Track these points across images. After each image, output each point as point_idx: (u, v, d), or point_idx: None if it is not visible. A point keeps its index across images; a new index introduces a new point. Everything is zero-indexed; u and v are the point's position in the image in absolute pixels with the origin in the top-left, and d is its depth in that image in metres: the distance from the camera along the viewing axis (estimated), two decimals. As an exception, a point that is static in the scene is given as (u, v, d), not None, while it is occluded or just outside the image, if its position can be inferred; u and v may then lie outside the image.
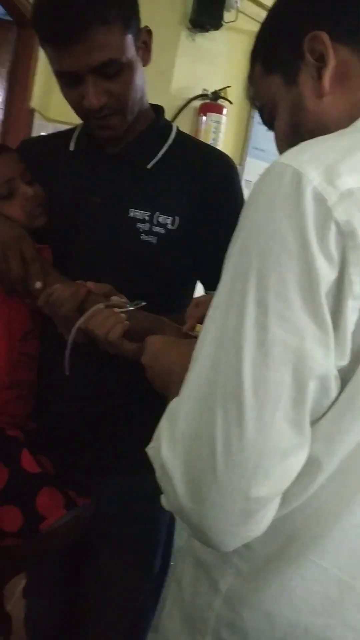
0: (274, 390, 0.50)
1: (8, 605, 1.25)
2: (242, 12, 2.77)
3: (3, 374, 1.09)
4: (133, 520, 1.16)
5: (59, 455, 1.14)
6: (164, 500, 0.58)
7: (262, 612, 0.59)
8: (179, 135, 1.14)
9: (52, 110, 2.84)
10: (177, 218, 1.07)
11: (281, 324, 0.50)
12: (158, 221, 1.06)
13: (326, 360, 0.51)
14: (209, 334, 0.54)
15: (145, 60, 1.04)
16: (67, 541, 1.12)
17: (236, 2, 2.68)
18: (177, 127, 1.15)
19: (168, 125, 1.14)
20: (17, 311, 1.10)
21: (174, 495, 0.54)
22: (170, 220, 1.06)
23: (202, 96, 2.76)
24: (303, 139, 0.64)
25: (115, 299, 0.99)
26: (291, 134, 0.67)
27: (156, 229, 1.06)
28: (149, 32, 1.04)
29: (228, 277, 0.55)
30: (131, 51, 0.98)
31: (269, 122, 0.72)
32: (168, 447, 0.55)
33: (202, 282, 1.17)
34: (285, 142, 0.69)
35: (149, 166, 1.09)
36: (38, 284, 1.02)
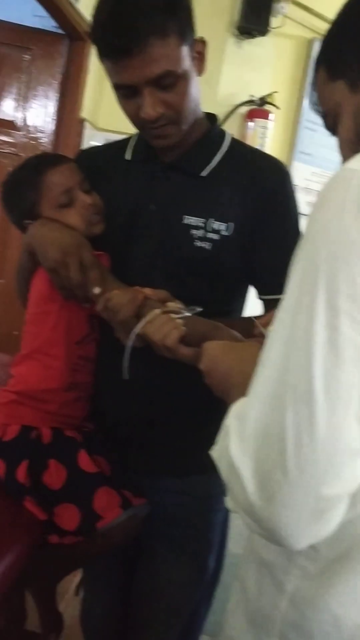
0: (346, 390, 0.50)
1: (61, 603, 1.28)
2: (289, 18, 2.77)
3: (62, 377, 1.13)
4: (187, 521, 1.18)
5: (115, 456, 1.17)
6: (229, 501, 0.58)
7: (329, 613, 0.59)
8: (233, 143, 1.15)
9: (101, 120, 2.91)
10: (231, 224, 1.08)
11: (352, 324, 0.50)
12: (212, 227, 1.08)
13: None
14: (278, 335, 0.55)
15: (200, 70, 1.06)
16: (123, 541, 1.14)
17: (282, 7, 2.69)
18: (231, 135, 1.17)
19: (222, 133, 1.16)
20: (76, 315, 1.13)
21: (243, 493, 0.54)
22: (224, 226, 1.08)
23: (249, 102, 2.77)
24: None
25: (172, 304, 1.01)
26: (355, 140, 0.68)
27: (210, 235, 1.08)
28: (203, 42, 1.05)
29: (297, 280, 0.55)
30: (187, 62, 1.00)
31: (332, 128, 0.73)
32: (238, 446, 0.55)
33: (256, 287, 1.17)
34: (349, 149, 0.69)
35: (203, 174, 1.10)
36: (97, 290, 1.04)
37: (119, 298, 1.01)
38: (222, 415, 0.67)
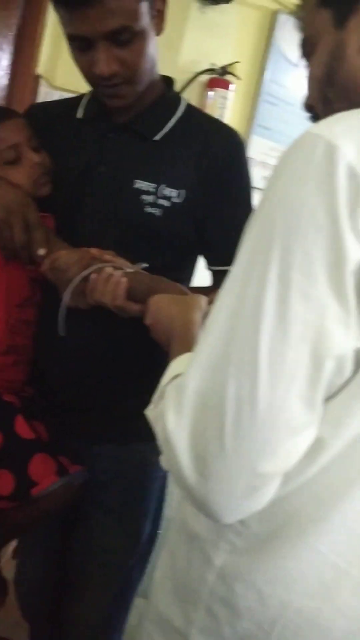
0: (290, 367, 0.49)
1: (-1, 567, 1.28)
2: (255, -14, 2.72)
3: (1, 340, 1.10)
4: (123, 488, 1.18)
5: (54, 421, 1.15)
6: (163, 461, 0.57)
7: (256, 590, 0.59)
8: (189, 108, 1.13)
9: (58, 78, 2.79)
10: (182, 191, 1.06)
11: (303, 300, 0.48)
12: (163, 194, 1.06)
13: (345, 340, 0.50)
14: (225, 304, 0.53)
15: (159, 30, 1.03)
16: (59, 508, 1.13)
17: (249, -25, 2.64)
18: (187, 100, 1.14)
19: (177, 98, 1.13)
20: (16, 277, 1.10)
21: (176, 464, 0.53)
22: (175, 193, 1.06)
23: (210, 70, 2.72)
24: (333, 89, 0.61)
25: (117, 260, 1.00)
26: (323, 78, 0.64)
27: (161, 201, 1.06)
28: (163, 0, 1.02)
29: (249, 249, 0.53)
30: (145, 19, 0.97)
31: (306, 57, 0.68)
32: (174, 417, 0.53)
33: (205, 257, 1.17)
34: (315, 87, 0.66)
35: (156, 138, 1.08)
36: (41, 251, 1.02)
37: (66, 258, 0.99)
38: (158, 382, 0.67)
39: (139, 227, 1.08)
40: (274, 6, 2.88)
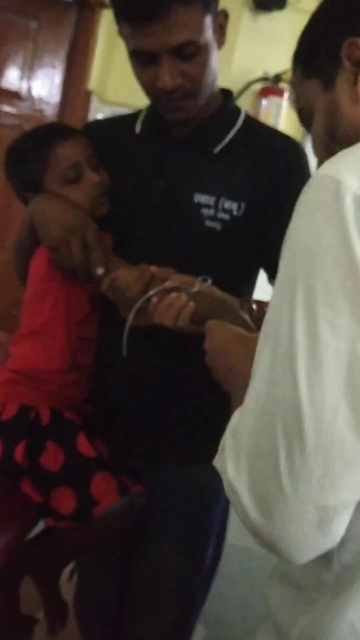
0: (331, 398, 0.49)
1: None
2: (307, -8, 2.68)
3: (62, 358, 1.09)
4: (186, 511, 1.15)
5: (115, 441, 1.13)
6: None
7: (347, 623, 0.57)
8: (248, 120, 1.10)
9: (109, 93, 2.83)
10: (242, 204, 1.04)
11: (332, 331, 0.50)
12: (223, 207, 1.04)
13: None
14: (263, 346, 0.55)
15: (220, 44, 1.02)
16: (120, 528, 1.11)
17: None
18: (246, 112, 1.12)
19: (236, 110, 1.11)
20: (76, 295, 1.09)
21: (243, 512, 0.54)
22: (235, 205, 1.04)
23: (263, 79, 2.69)
24: (338, 144, 0.65)
25: (179, 277, 0.97)
26: (326, 138, 0.69)
27: (221, 214, 1.04)
28: (225, 15, 1.01)
29: (277, 290, 0.55)
30: (209, 33, 0.96)
31: (307, 126, 0.73)
32: (233, 465, 0.55)
33: (267, 271, 1.13)
34: (321, 146, 0.70)
35: (215, 151, 1.06)
36: (100, 270, 1.01)
37: (125, 277, 0.97)
38: (227, 404, 0.68)
39: (198, 241, 1.05)
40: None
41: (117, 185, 1.09)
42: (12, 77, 2.72)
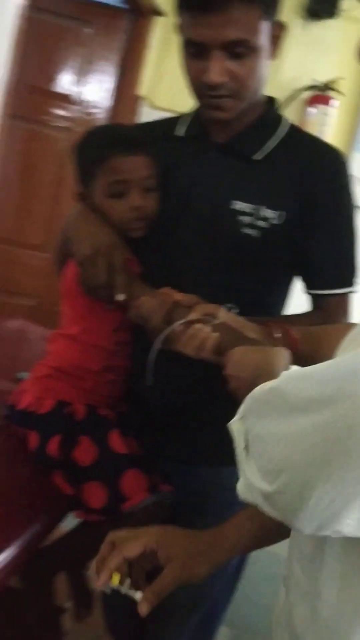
0: None
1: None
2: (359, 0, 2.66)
3: (98, 361, 1.13)
4: (213, 512, 1.16)
5: (148, 440, 1.15)
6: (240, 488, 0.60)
7: None
8: (291, 129, 1.10)
9: (159, 98, 2.87)
10: (282, 213, 1.04)
11: None
12: (262, 215, 1.04)
13: None
14: None
15: (273, 54, 1.02)
16: (148, 525, 1.13)
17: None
18: (290, 121, 1.12)
19: (279, 118, 1.11)
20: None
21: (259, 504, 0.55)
22: (275, 214, 1.04)
23: (312, 87, 2.69)
24: None
25: (200, 307, 0.98)
26: None
27: (259, 222, 1.04)
28: (282, 26, 1.02)
29: None
30: (263, 38, 0.97)
31: None
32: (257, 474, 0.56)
33: (304, 281, 1.13)
34: None
35: (256, 157, 1.06)
36: (120, 296, 1.02)
37: (147, 305, 0.99)
38: None
39: (235, 248, 1.06)
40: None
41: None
42: (65, 82, 2.80)
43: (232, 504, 1.16)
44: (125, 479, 1.07)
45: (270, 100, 1.13)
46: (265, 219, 1.04)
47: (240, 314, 1.01)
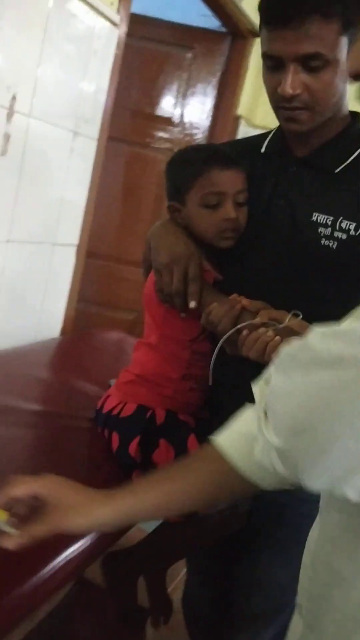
0: None
1: (170, 587, 1.32)
2: None
3: (177, 370, 1.17)
4: (290, 521, 1.15)
5: None
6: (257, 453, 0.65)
7: None
8: None
9: (257, 117, 2.91)
10: (358, 223, 1.03)
11: None
12: (341, 226, 1.04)
13: None
14: None
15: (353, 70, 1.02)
16: (224, 530, 1.15)
17: None
18: None
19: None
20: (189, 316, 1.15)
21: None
22: (353, 225, 1.04)
23: None
24: None
25: (267, 312, 1.01)
26: None
27: (338, 234, 1.04)
28: None
29: None
30: (341, 53, 0.97)
31: None
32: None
33: None
34: None
35: (337, 170, 1.07)
36: (192, 304, 1.07)
37: (216, 311, 1.03)
38: None
39: (313, 259, 1.07)
40: None
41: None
42: (167, 105, 2.92)
43: (308, 515, 1.15)
44: None
45: (355, 115, 1.13)
46: (344, 230, 1.04)
47: (310, 322, 1.02)
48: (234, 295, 1.05)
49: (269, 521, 1.17)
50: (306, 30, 0.93)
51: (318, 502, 1.13)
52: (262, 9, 0.99)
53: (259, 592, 1.20)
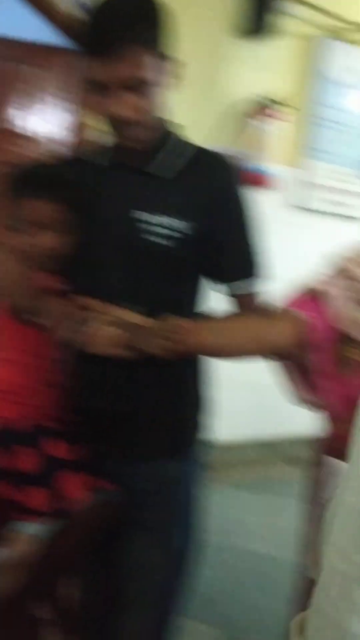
0: None
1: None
2: (294, 16, 2.78)
3: (33, 378, 1.22)
4: (155, 508, 1.24)
5: (94, 445, 1.23)
6: None
7: None
8: (196, 150, 1.22)
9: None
10: (193, 223, 1.15)
11: None
12: (173, 226, 1.15)
13: None
14: None
15: (170, 86, 1.13)
16: (100, 526, 1.20)
17: (286, 6, 2.70)
18: (193, 143, 1.23)
19: (184, 141, 1.23)
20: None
21: None
22: (186, 225, 1.15)
23: (254, 102, 2.78)
24: None
25: (105, 309, 1.10)
26: None
27: (171, 232, 1.15)
28: (181, 63, 1.13)
29: None
30: (160, 73, 1.08)
31: None
32: None
33: (221, 279, 1.23)
34: None
35: (169, 177, 1.17)
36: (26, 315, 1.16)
37: (51, 315, 1.13)
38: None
39: (152, 259, 1.17)
40: (314, 32, 2.93)
41: (86, 214, 1.20)
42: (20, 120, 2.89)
43: (174, 498, 1.24)
44: (69, 482, 1.14)
45: (174, 126, 1.23)
46: (177, 230, 1.15)
47: (151, 316, 1.11)
48: (70, 298, 1.12)
49: (136, 509, 1.23)
50: (128, 57, 1.03)
51: (179, 485, 1.22)
52: (85, 38, 1.07)
53: (141, 574, 1.27)
